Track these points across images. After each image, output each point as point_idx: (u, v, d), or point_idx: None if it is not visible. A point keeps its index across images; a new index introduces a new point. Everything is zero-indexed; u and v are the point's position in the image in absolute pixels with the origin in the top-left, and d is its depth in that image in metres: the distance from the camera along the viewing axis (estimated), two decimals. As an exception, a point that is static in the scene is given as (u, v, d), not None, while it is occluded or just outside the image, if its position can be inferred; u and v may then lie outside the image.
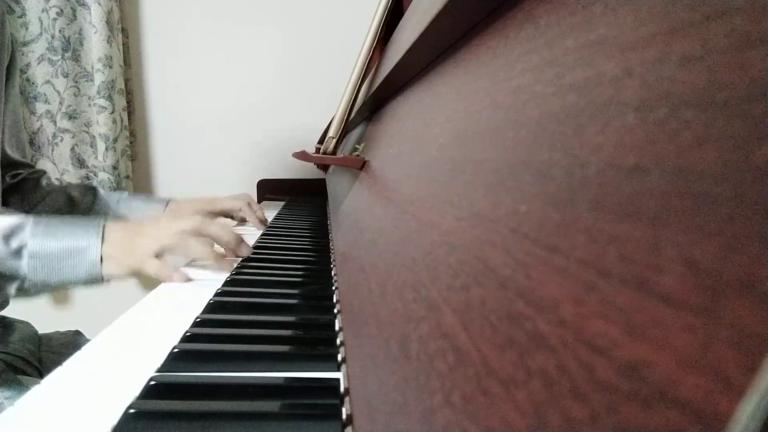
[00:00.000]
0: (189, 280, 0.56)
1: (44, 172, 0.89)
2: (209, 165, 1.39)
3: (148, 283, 1.42)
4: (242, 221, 0.93)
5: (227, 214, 0.92)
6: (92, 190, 0.88)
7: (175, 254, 0.57)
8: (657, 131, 0.11)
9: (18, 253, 0.52)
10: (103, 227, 0.56)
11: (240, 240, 0.62)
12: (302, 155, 0.73)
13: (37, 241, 0.53)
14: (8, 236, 0.52)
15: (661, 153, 0.11)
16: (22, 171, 0.85)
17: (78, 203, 0.86)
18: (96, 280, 0.55)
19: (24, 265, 0.52)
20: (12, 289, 0.53)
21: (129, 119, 1.33)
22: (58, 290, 0.56)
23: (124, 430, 0.27)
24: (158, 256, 0.56)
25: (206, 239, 0.59)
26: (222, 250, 0.62)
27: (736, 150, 0.09)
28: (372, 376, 0.24)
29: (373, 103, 0.74)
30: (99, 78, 1.23)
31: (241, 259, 0.62)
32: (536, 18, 0.21)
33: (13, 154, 0.82)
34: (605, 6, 0.16)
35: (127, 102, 1.32)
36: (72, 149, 1.28)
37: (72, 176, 1.28)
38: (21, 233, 0.52)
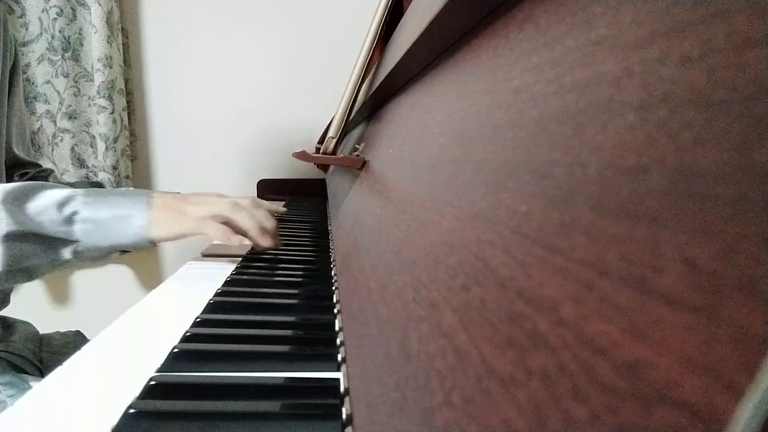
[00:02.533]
0: (242, 243, 0.60)
1: (51, 171, 0.90)
2: (209, 165, 1.39)
3: (148, 282, 1.43)
4: None
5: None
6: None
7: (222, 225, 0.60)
8: (657, 131, 0.11)
9: (70, 219, 0.56)
10: (149, 195, 0.60)
11: (276, 230, 0.64)
12: (302, 155, 0.73)
13: (88, 208, 0.57)
14: (61, 204, 0.56)
15: (661, 153, 0.11)
16: (29, 170, 0.86)
17: None
18: (144, 243, 0.59)
19: (77, 230, 0.57)
20: (67, 252, 0.57)
21: (129, 119, 1.33)
22: (110, 253, 0.61)
23: (124, 430, 0.27)
24: (211, 217, 0.59)
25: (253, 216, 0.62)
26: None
27: (736, 150, 0.09)
28: (372, 376, 0.24)
29: (373, 103, 0.74)
30: (99, 78, 1.23)
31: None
32: (536, 18, 0.21)
33: (21, 153, 0.83)
34: (605, 6, 0.16)
35: (127, 102, 1.32)
36: (72, 149, 1.28)
37: (72, 176, 1.28)
38: (73, 202, 0.57)
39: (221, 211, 0.60)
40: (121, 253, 0.64)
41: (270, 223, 0.63)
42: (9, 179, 0.81)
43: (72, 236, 0.56)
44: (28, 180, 0.85)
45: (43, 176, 0.87)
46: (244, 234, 0.62)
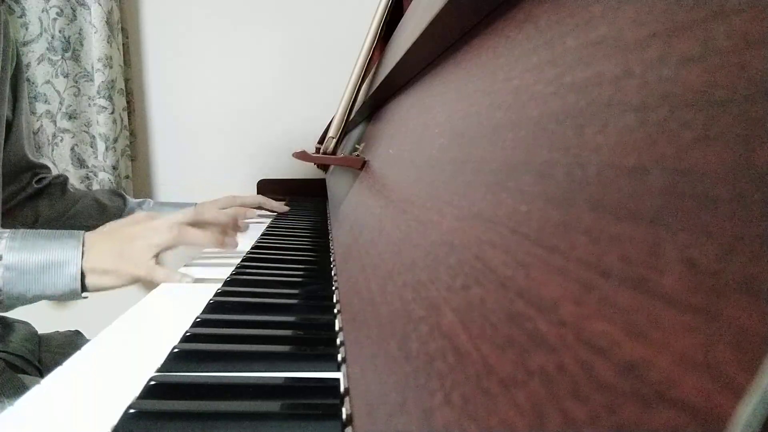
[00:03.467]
0: (195, 280, 0.56)
1: (67, 178, 0.88)
2: (209, 165, 1.39)
3: (149, 283, 1.42)
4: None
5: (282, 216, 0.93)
6: (120, 196, 0.88)
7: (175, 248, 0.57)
8: (657, 131, 0.11)
9: None
10: (83, 239, 0.55)
11: (236, 221, 0.63)
12: (302, 155, 0.73)
13: (13, 254, 0.52)
14: None
15: (661, 153, 0.11)
16: (43, 174, 0.84)
17: (108, 208, 0.86)
18: (76, 294, 0.54)
19: None
20: None
21: (129, 119, 1.33)
22: (33, 302, 0.55)
23: (124, 430, 0.27)
24: (157, 257, 0.55)
25: (204, 227, 0.59)
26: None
27: (736, 150, 0.09)
28: (372, 376, 0.24)
29: (373, 103, 0.74)
30: (99, 78, 1.23)
31: (241, 258, 0.62)
32: (536, 18, 0.21)
33: (32, 156, 0.82)
34: (605, 6, 0.16)
35: (127, 102, 1.32)
36: (72, 149, 1.28)
37: (72, 176, 1.28)
38: None
39: (166, 243, 0.55)
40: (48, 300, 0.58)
41: (225, 218, 0.60)
42: (18, 185, 0.81)
43: None
44: (45, 186, 0.83)
45: (60, 182, 0.86)
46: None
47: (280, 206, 0.92)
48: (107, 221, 0.76)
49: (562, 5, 0.19)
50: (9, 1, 1.19)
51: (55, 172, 0.89)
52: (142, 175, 1.38)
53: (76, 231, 0.56)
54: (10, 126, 0.75)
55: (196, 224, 0.58)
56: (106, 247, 0.55)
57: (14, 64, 0.75)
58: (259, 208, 0.93)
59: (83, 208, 0.85)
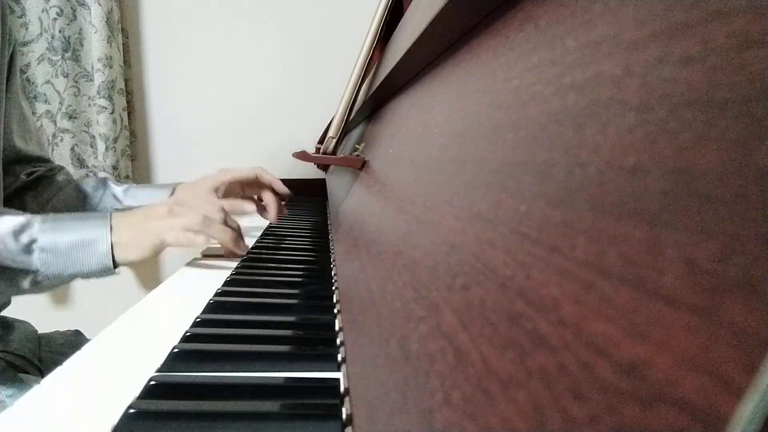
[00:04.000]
0: (194, 257, 0.59)
1: (61, 168, 0.87)
2: (209, 165, 1.39)
3: (148, 282, 1.43)
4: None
5: (242, 185, 0.84)
6: (103, 184, 0.86)
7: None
8: (657, 131, 0.11)
9: (28, 248, 0.54)
10: (110, 217, 0.57)
11: (240, 237, 0.64)
12: (302, 155, 0.73)
13: (47, 236, 0.54)
14: (18, 233, 0.53)
15: (661, 153, 0.11)
16: (39, 167, 0.83)
17: (90, 198, 0.85)
18: (108, 270, 0.57)
19: (36, 260, 0.54)
20: (26, 282, 0.55)
21: (129, 119, 1.33)
22: (71, 281, 0.58)
23: (124, 430, 0.27)
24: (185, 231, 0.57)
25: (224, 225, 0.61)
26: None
27: (736, 150, 0.09)
28: (372, 376, 0.24)
29: (373, 103, 0.74)
30: (99, 78, 1.23)
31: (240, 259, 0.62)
32: (536, 18, 0.21)
33: (27, 147, 0.80)
34: (605, 6, 0.16)
35: (127, 102, 1.32)
36: (72, 149, 1.28)
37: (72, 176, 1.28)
38: (29, 230, 0.54)
39: (192, 227, 0.57)
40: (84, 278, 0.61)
41: (236, 225, 0.62)
42: (11, 177, 0.79)
43: (31, 266, 0.54)
44: (34, 179, 0.82)
45: (50, 175, 0.84)
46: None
47: (282, 187, 0.82)
48: (89, 210, 0.76)
49: (562, 5, 0.19)
50: (9, 1, 1.19)
51: (66, 169, 0.88)
52: (142, 175, 1.39)
53: (101, 213, 0.59)
54: None
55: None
56: (131, 221, 0.58)
57: (10, 53, 0.73)
58: (257, 184, 0.84)
59: (65, 197, 0.84)
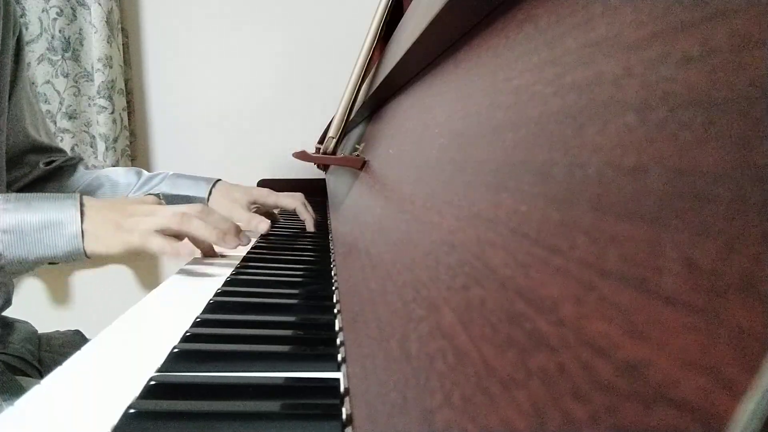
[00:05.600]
0: (195, 256, 0.55)
1: (81, 159, 0.85)
2: (209, 165, 1.39)
3: (148, 282, 1.43)
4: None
5: (279, 210, 0.87)
6: (137, 173, 0.84)
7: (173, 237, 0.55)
8: (657, 131, 0.11)
9: None
10: (81, 202, 0.53)
11: (239, 230, 0.61)
12: (302, 155, 0.73)
13: (9, 216, 0.50)
14: None
15: (661, 153, 0.11)
16: (55, 156, 0.81)
17: (120, 185, 0.82)
18: (79, 253, 0.53)
19: None
20: None
21: (129, 119, 1.33)
22: (39, 265, 0.54)
23: (124, 430, 0.27)
24: (158, 232, 0.54)
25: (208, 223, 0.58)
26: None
27: (736, 150, 0.09)
28: (372, 376, 0.24)
29: (373, 103, 0.74)
30: (99, 78, 1.23)
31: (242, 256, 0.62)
32: (536, 18, 0.21)
33: (40, 137, 0.78)
34: (605, 6, 0.16)
35: (127, 102, 1.32)
36: (72, 149, 1.28)
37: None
38: None
39: (169, 224, 0.53)
40: (50, 264, 0.57)
41: (226, 224, 0.58)
42: (27, 167, 0.78)
43: None
44: (54, 168, 0.80)
45: (72, 164, 0.82)
46: (199, 244, 0.57)
47: (311, 223, 0.84)
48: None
49: (562, 5, 0.19)
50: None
51: (85, 160, 0.86)
52: (142, 175, 1.38)
53: (71, 193, 0.55)
54: (9, 97, 0.71)
55: (203, 220, 0.57)
56: (104, 213, 0.53)
57: (16, 40, 0.70)
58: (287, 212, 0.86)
59: (93, 187, 0.80)
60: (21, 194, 0.53)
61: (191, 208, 0.57)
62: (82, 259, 0.54)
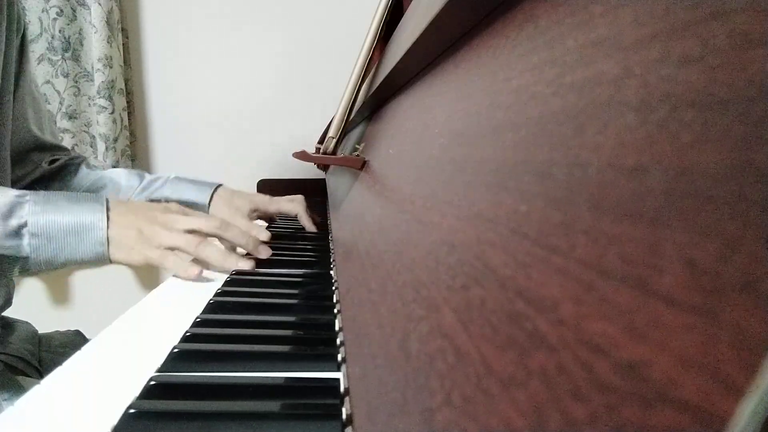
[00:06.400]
0: (205, 278, 0.55)
1: (84, 158, 0.85)
2: (209, 165, 1.39)
3: (148, 282, 1.42)
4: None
5: (281, 216, 0.88)
6: (138, 176, 0.84)
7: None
8: (657, 131, 0.11)
9: (18, 232, 0.49)
10: (107, 206, 0.53)
11: (258, 242, 0.61)
12: (302, 155, 0.73)
13: (38, 218, 0.50)
14: (6, 216, 0.49)
15: (661, 153, 0.11)
16: (58, 155, 0.81)
17: (123, 188, 0.82)
18: (103, 259, 0.53)
19: (25, 245, 0.50)
20: (15, 270, 0.52)
21: (129, 119, 1.33)
22: (63, 267, 0.53)
23: (124, 430, 0.27)
24: (173, 249, 0.54)
25: (218, 244, 0.57)
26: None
27: (736, 150, 0.09)
28: (372, 376, 0.24)
29: (373, 103, 0.74)
30: (99, 78, 1.23)
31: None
32: (536, 18, 0.21)
33: (44, 135, 0.78)
34: (605, 6, 0.16)
35: (127, 102, 1.32)
36: (72, 149, 1.28)
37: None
38: (20, 211, 0.50)
39: (186, 248, 0.53)
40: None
41: (243, 240, 0.58)
42: (30, 165, 0.77)
43: (21, 252, 0.50)
44: (58, 167, 0.80)
45: (75, 164, 0.82)
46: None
47: (311, 224, 0.84)
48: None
49: (562, 5, 0.19)
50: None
51: (88, 159, 0.86)
52: (142, 175, 1.38)
53: (98, 195, 0.55)
54: (13, 96, 0.70)
55: (217, 237, 0.58)
56: (128, 221, 0.53)
57: (21, 39, 0.70)
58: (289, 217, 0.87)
59: (97, 188, 0.81)
60: (49, 194, 0.53)
61: (209, 224, 0.56)
62: (107, 263, 0.54)
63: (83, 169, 0.84)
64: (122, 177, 0.84)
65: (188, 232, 0.55)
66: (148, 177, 0.85)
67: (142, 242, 0.53)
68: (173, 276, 0.55)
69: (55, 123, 1.27)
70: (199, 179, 0.84)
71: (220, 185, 0.84)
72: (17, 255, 0.50)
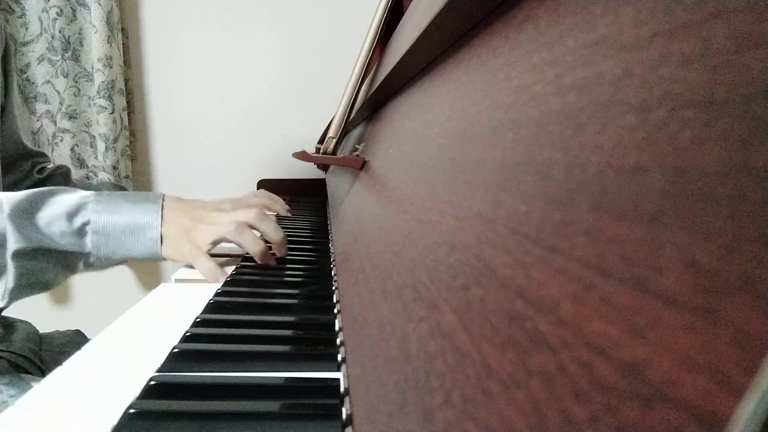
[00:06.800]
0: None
1: (69, 169, 0.88)
2: (209, 165, 1.39)
3: (148, 282, 1.42)
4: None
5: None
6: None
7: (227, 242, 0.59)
8: (657, 131, 0.11)
9: (81, 230, 0.53)
10: (162, 205, 0.57)
11: (285, 241, 0.63)
12: (302, 155, 0.73)
13: (100, 218, 0.54)
14: (72, 215, 0.53)
15: (661, 153, 0.11)
16: (43, 163, 0.84)
17: None
18: (157, 257, 0.56)
19: (88, 242, 0.54)
20: (80, 265, 0.55)
21: (129, 119, 1.33)
22: (121, 263, 0.58)
23: (124, 430, 0.27)
24: (215, 243, 0.57)
25: (256, 234, 0.60)
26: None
27: (736, 150, 0.09)
28: (372, 376, 0.24)
29: (373, 103, 0.74)
30: (99, 78, 1.23)
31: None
32: (536, 18, 0.21)
33: (28, 143, 0.81)
34: (605, 6, 0.16)
35: (127, 102, 1.32)
36: (72, 149, 1.28)
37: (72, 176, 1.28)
38: (83, 211, 0.53)
39: (225, 234, 0.57)
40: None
41: (277, 236, 0.60)
42: (19, 172, 0.80)
43: (84, 249, 0.54)
44: (47, 177, 0.83)
45: (62, 173, 0.85)
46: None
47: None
48: None
49: (562, 5, 0.19)
50: (9, 0, 1.19)
51: (70, 169, 0.89)
52: (142, 175, 1.39)
53: (154, 194, 0.58)
54: (2, 109, 0.73)
55: (253, 227, 0.60)
56: (179, 219, 0.57)
57: (3, 50, 0.73)
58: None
59: None
60: (112, 193, 0.57)
61: (248, 215, 0.59)
62: (159, 260, 0.57)
63: (73, 179, 0.88)
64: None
65: (230, 223, 0.58)
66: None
67: (187, 241, 0.56)
68: (173, 268, 0.56)
69: (55, 124, 1.27)
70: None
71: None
72: (81, 251, 0.54)
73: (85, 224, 0.53)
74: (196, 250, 0.56)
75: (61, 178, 0.86)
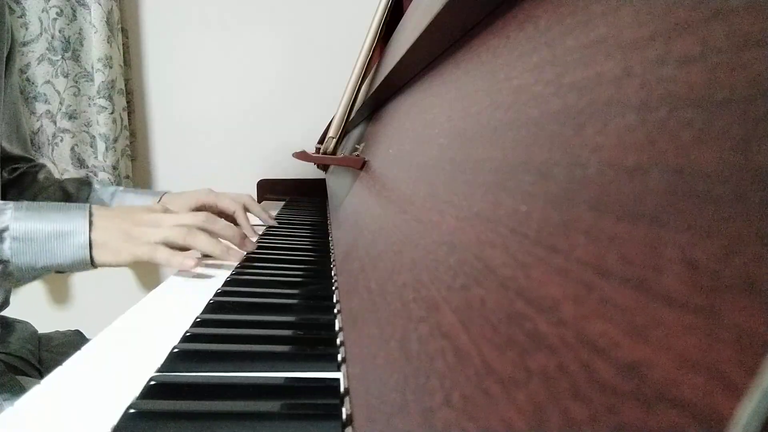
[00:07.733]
0: (202, 263, 0.56)
1: (43, 166, 0.86)
2: (209, 165, 1.39)
3: (148, 282, 1.42)
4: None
5: (221, 213, 0.83)
6: (88, 184, 0.86)
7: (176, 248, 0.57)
8: (657, 131, 0.11)
9: None
10: (90, 212, 0.55)
11: (244, 236, 0.62)
12: (302, 155, 0.73)
13: (20, 224, 0.52)
14: None
15: (661, 153, 0.11)
16: (21, 165, 0.83)
17: (73, 197, 0.84)
18: (85, 263, 0.55)
19: (6, 249, 0.52)
20: None
21: (129, 119, 1.33)
22: (45, 273, 0.56)
23: (124, 430, 0.27)
24: (165, 244, 0.55)
25: (211, 235, 0.59)
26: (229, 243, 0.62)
27: (736, 150, 0.09)
28: (372, 376, 0.24)
29: (373, 103, 0.74)
30: (99, 78, 1.23)
31: (244, 255, 0.62)
32: (536, 18, 0.21)
33: (12, 148, 0.79)
34: (605, 6, 0.16)
35: (127, 102, 1.32)
36: (72, 149, 1.28)
37: (72, 176, 1.28)
38: (2, 216, 0.52)
39: (174, 239, 0.55)
40: (57, 272, 0.59)
41: (231, 232, 0.59)
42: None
43: (2, 256, 0.52)
44: (18, 176, 0.82)
45: (32, 171, 0.84)
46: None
47: (267, 217, 0.82)
48: None
49: (562, 5, 0.19)
50: (9, 0, 1.19)
51: (55, 172, 0.88)
52: (142, 175, 1.38)
53: (82, 203, 0.57)
54: None
55: (205, 230, 0.58)
56: (113, 224, 0.55)
57: (8, 51, 0.72)
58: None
59: (48, 196, 0.82)
60: (33, 203, 0.55)
61: (195, 218, 0.58)
62: (88, 268, 0.56)
63: (39, 177, 0.85)
64: (71, 187, 0.85)
65: (175, 227, 0.56)
66: (96, 187, 0.86)
67: (130, 242, 0.55)
68: (168, 268, 0.56)
69: (55, 124, 1.27)
70: (146, 190, 0.85)
71: (166, 193, 0.84)
72: None
73: (2, 230, 0.52)
74: (147, 247, 0.54)
75: (28, 176, 0.84)
